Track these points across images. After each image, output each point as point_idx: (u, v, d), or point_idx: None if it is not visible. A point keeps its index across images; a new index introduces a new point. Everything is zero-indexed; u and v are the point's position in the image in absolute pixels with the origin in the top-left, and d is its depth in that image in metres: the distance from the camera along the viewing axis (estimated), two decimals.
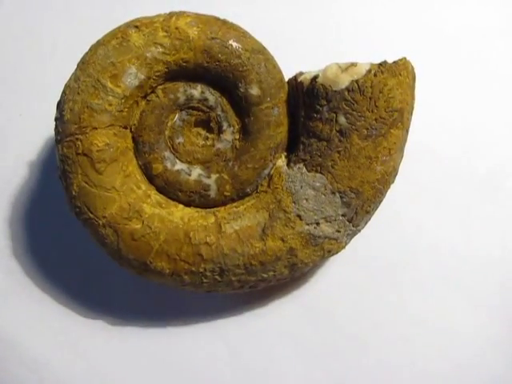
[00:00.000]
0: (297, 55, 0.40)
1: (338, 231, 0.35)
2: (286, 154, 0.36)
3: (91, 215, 0.34)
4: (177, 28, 0.34)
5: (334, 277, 0.40)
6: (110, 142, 0.34)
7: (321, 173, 0.34)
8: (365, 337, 0.39)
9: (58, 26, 0.44)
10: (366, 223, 0.36)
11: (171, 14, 0.35)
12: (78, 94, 0.34)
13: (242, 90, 0.35)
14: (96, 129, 0.34)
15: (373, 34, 0.43)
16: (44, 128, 0.43)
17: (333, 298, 0.40)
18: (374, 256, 0.40)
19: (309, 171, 0.34)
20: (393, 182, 0.35)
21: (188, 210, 0.36)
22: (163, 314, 0.40)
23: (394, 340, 0.39)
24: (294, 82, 0.36)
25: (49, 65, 0.44)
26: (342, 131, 0.33)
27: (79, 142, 0.34)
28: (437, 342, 0.39)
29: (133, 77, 0.34)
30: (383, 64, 0.33)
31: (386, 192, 0.35)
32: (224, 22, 0.35)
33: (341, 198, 0.34)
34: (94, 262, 0.40)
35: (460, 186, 0.41)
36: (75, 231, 0.39)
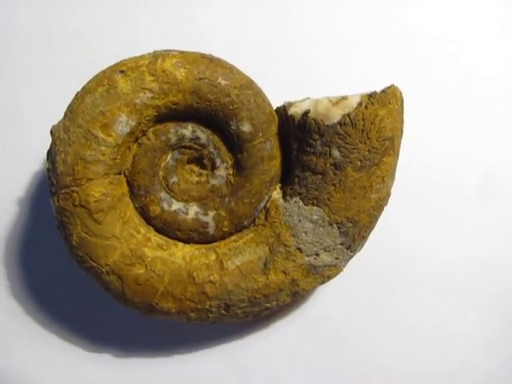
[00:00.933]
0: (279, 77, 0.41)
1: (337, 258, 0.36)
2: (280, 185, 0.36)
3: (94, 264, 0.34)
4: (164, 71, 0.34)
5: (331, 293, 0.41)
6: (106, 191, 0.34)
7: (318, 206, 0.35)
8: (367, 348, 0.41)
9: (36, 59, 0.43)
10: (362, 246, 0.37)
11: (156, 56, 0.34)
12: (70, 145, 0.33)
13: (233, 127, 0.35)
14: (91, 180, 0.34)
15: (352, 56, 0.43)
16: (29, 163, 0.43)
17: (333, 312, 0.41)
18: (370, 268, 0.42)
19: (306, 205, 0.35)
20: (386, 204, 0.36)
21: (188, 247, 0.36)
22: (168, 343, 0.41)
23: (396, 348, 0.41)
24: (284, 114, 0.36)
25: (27, 99, 0.43)
26: (336, 164, 0.34)
27: (75, 194, 0.34)
28: (437, 348, 0.41)
29: (124, 124, 0.34)
30: (373, 95, 0.34)
31: (380, 214, 0.36)
32: (210, 59, 0.35)
33: (338, 228, 0.35)
34: (95, 296, 0.41)
35: (448, 195, 0.42)
36: (74, 266, 0.39)
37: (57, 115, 0.35)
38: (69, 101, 0.34)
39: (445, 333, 0.41)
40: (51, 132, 0.35)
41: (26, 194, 0.43)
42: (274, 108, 0.37)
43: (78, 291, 0.41)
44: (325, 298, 0.41)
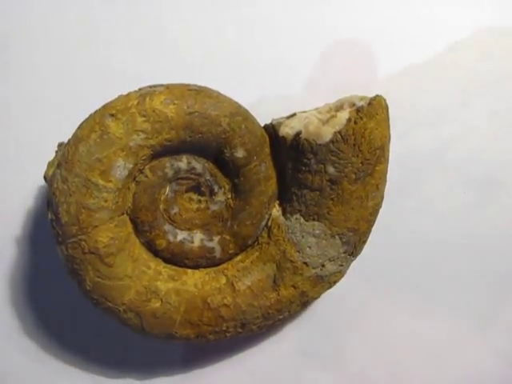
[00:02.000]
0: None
1: (341, 265, 0.37)
2: (278, 202, 0.38)
3: (110, 304, 0.35)
4: (154, 110, 0.34)
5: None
6: (113, 235, 0.35)
7: (319, 221, 0.36)
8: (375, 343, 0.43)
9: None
10: (362, 249, 0.39)
11: (143, 95, 0.34)
12: (71, 195, 0.34)
13: (227, 154, 0.35)
14: (97, 226, 0.34)
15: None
16: (21, 200, 0.43)
17: (338, 309, 0.43)
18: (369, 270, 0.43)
19: (307, 220, 0.36)
20: (381, 207, 0.38)
21: (198, 274, 0.37)
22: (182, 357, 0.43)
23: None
24: (274, 133, 0.36)
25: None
26: (332, 180, 0.35)
27: (84, 242, 0.34)
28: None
29: (121, 168, 0.34)
30: (361, 109, 0.35)
31: (377, 217, 0.38)
32: (197, 91, 0.35)
33: (340, 239, 0.36)
34: (109, 325, 0.42)
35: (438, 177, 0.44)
36: (82, 298, 0.39)
37: None
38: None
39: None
40: (44, 178, 0.36)
41: (23, 231, 0.43)
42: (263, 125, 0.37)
43: (91, 322, 0.42)
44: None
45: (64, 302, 0.42)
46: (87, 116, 0.35)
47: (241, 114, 0.36)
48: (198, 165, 0.36)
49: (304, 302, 0.38)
